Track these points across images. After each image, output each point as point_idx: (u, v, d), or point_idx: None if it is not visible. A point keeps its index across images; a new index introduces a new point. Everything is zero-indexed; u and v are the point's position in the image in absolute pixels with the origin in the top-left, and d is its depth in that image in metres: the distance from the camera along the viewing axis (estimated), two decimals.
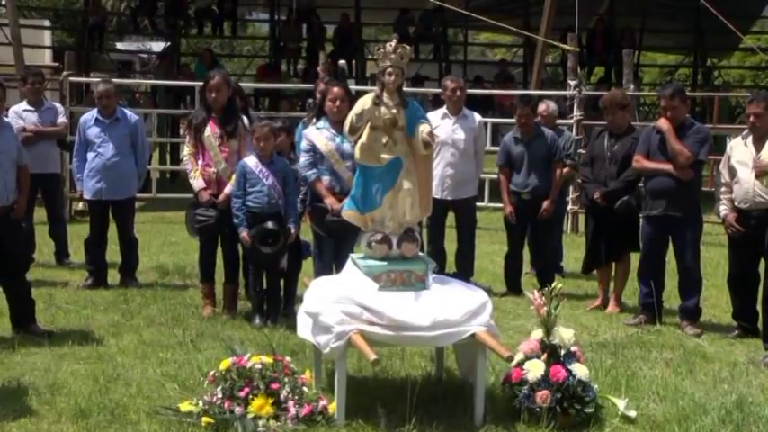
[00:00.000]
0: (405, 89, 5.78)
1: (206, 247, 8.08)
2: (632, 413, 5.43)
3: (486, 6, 21.75)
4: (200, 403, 5.28)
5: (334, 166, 7.50)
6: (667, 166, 7.68)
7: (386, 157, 5.58)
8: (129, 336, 7.21)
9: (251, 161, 7.58)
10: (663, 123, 7.74)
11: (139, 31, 27.85)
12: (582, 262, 8.83)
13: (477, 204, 9.58)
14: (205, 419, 5.16)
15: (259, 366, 5.35)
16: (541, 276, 8.92)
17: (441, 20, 23.89)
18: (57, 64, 17.03)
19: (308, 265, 8.07)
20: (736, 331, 7.60)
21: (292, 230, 7.59)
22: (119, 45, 31.50)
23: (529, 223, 9.10)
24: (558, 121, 12.22)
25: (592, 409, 5.34)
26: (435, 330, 5.26)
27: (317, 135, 7.56)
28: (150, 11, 24.49)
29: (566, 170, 9.51)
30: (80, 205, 13.07)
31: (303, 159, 7.59)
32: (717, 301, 8.61)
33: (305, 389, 5.40)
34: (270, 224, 7.46)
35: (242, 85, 10.29)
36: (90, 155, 9.10)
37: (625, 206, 8.16)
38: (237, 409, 5.16)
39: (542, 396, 5.27)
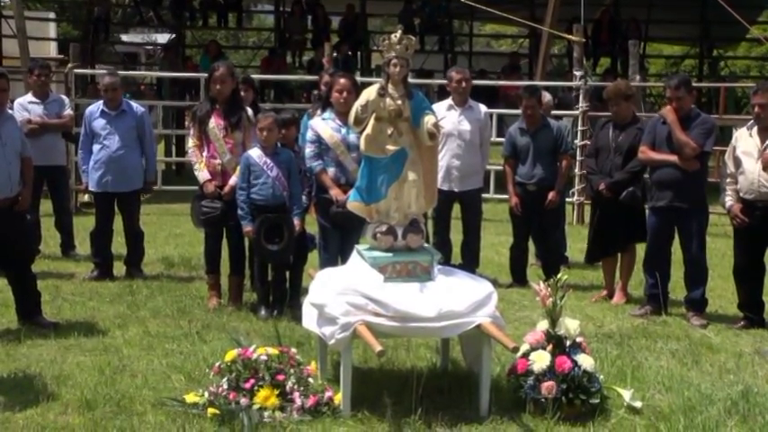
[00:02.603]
0: (410, 80, 5.76)
1: (211, 239, 8.08)
2: (638, 404, 5.43)
3: None
4: (206, 394, 5.29)
5: (339, 158, 7.50)
6: (672, 157, 7.66)
7: (391, 148, 5.57)
8: (134, 327, 7.22)
9: (255, 153, 7.58)
10: (668, 113, 7.72)
11: (144, 22, 27.85)
12: (586, 252, 8.82)
13: (483, 196, 9.57)
14: (210, 410, 5.17)
15: (264, 358, 5.35)
16: (547, 267, 8.91)
17: (446, 11, 23.87)
18: (62, 56, 17.06)
19: (313, 256, 8.07)
20: (742, 322, 7.59)
21: (296, 222, 7.59)
22: (124, 37, 31.50)
23: (534, 214, 9.09)
24: (565, 112, 12.25)
25: (597, 400, 5.34)
26: (441, 321, 5.26)
27: (323, 126, 7.56)
28: (155, 2, 24.49)
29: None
30: (86, 197, 13.15)
31: (308, 150, 7.58)
32: (723, 291, 8.61)
33: (310, 380, 5.40)
34: (271, 214, 7.47)
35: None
36: (95, 147, 9.11)
37: (630, 197, 8.15)
38: (243, 401, 5.17)
39: (548, 387, 5.27)
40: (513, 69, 21.75)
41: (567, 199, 10.69)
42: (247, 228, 7.55)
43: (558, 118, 10.03)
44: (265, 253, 7.57)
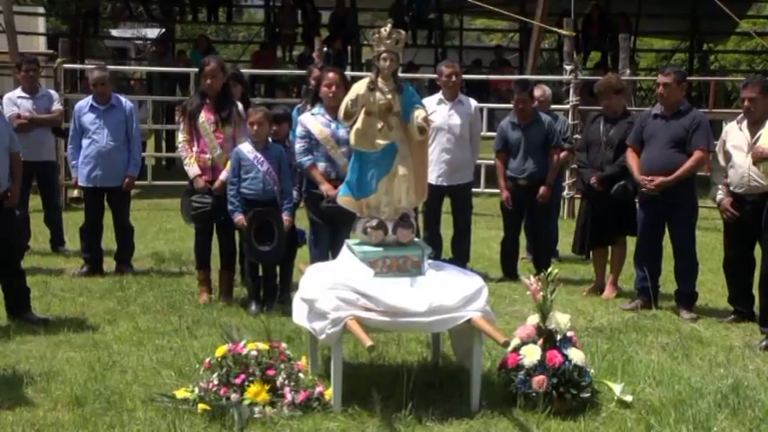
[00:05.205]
0: (400, 74, 5.75)
1: (202, 234, 8.06)
2: (628, 398, 5.44)
3: None
4: (196, 390, 5.27)
5: (329, 152, 7.49)
6: (648, 181, 7.63)
7: (381, 142, 5.56)
8: (124, 323, 7.20)
9: (245, 147, 7.56)
10: (662, 181, 7.65)
11: (134, 17, 27.74)
12: (572, 242, 8.79)
13: (473, 190, 9.56)
14: (201, 406, 5.16)
15: (255, 353, 5.34)
16: (537, 261, 8.91)
17: (435, 5, 23.85)
18: (51, 51, 16.99)
19: (303, 251, 8.06)
20: (732, 316, 7.60)
21: (286, 217, 7.57)
22: (113, 32, 31.39)
23: (525, 209, 9.10)
24: (556, 106, 12.25)
25: (588, 394, 5.35)
26: (431, 316, 5.25)
27: (313, 121, 7.55)
28: None
29: (563, 154, 9.53)
30: (75, 192, 13.10)
31: (298, 146, 7.57)
32: (713, 285, 8.62)
33: (301, 375, 5.40)
34: (261, 208, 7.45)
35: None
36: (85, 142, 9.07)
37: (622, 190, 8.15)
38: (233, 396, 5.16)
39: (539, 381, 5.27)
40: (503, 63, 21.76)
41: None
42: (238, 217, 7.52)
43: (551, 112, 10.00)
44: (257, 253, 7.55)
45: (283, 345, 5.59)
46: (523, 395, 5.32)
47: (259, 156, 7.52)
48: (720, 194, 7.53)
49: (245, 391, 5.20)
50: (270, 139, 7.66)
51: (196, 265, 8.23)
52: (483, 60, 23.51)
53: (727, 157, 7.46)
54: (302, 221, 8.11)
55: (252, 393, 5.19)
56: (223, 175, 7.75)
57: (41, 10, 26.00)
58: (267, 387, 5.24)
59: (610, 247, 8.53)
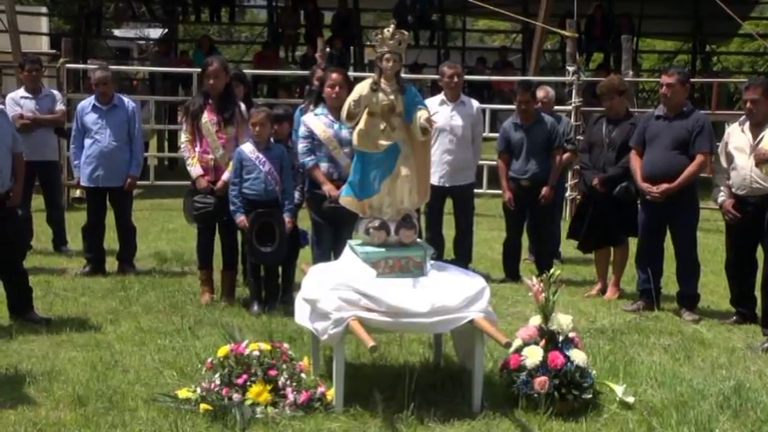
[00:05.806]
0: (403, 75, 5.76)
1: (204, 234, 8.07)
2: (630, 399, 5.44)
3: None
4: (198, 390, 5.28)
5: (332, 153, 7.49)
6: (653, 191, 7.64)
7: (384, 143, 5.56)
8: (127, 323, 7.20)
9: (247, 148, 7.57)
10: (666, 189, 7.65)
11: (137, 17, 27.75)
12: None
13: (476, 191, 9.56)
14: (203, 406, 5.16)
15: (257, 353, 5.34)
16: (540, 262, 8.91)
17: (438, 6, 23.85)
18: (54, 51, 16.99)
19: (306, 252, 8.06)
20: (734, 317, 7.60)
21: (288, 219, 7.57)
22: (116, 32, 31.40)
23: (528, 210, 9.10)
24: (556, 107, 12.26)
25: (590, 395, 5.35)
26: (433, 317, 5.25)
27: (316, 121, 7.55)
28: None
29: (567, 155, 9.52)
30: (77, 192, 13.10)
31: (301, 146, 7.57)
32: (715, 287, 8.62)
33: (303, 375, 5.40)
34: (262, 210, 7.46)
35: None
36: (87, 141, 9.08)
37: (624, 192, 8.15)
38: (235, 396, 5.17)
39: (540, 382, 5.27)
40: (506, 64, 21.76)
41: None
42: (240, 218, 7.52)
43: (554, 113, 10.00)
44: (258, 255, 7.55)
45: (285, 345, 5.59)
46: (525, 396, 5.32)
47: (261, 156, 7.52)
48: (722, 196, 7.53)
49: (247, 391, 5.20)
50: (272, 140, 7.67)
51: (198, 265, 8.24)
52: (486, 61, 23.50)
53: (729, 158, 7.46)
54: (305, 222, 8.11)
55: (254, 394, 5.19)
56: (225, 176, 7.76)
57: (44, 10, 26.00)
58: (269, 387, 5.24)
59: (612, 249, 8.53)
